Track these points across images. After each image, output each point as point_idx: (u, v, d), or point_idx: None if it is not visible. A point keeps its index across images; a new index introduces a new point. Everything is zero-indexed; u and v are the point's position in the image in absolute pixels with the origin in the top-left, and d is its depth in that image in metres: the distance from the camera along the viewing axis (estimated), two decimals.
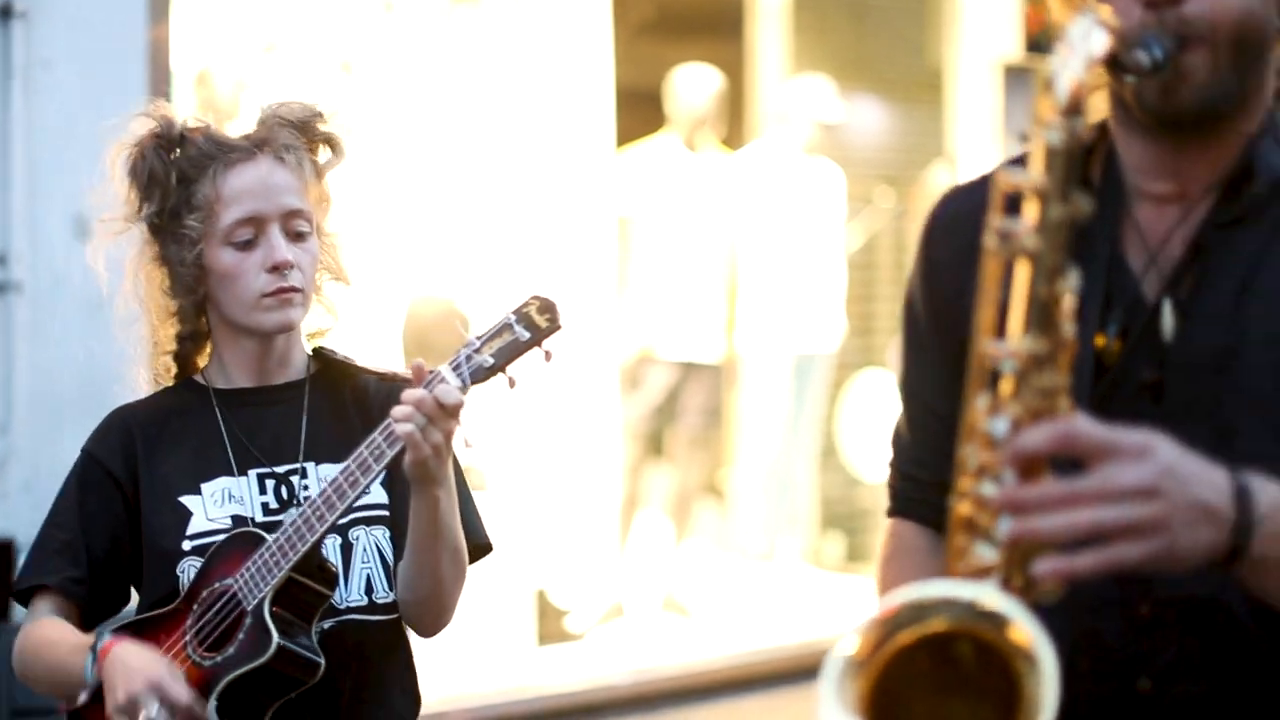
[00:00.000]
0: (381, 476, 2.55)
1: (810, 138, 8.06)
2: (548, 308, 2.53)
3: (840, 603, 7.90)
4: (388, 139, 6.61)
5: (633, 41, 8.24)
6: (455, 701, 6.12)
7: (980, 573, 1.67)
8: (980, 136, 9.01)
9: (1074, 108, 1.69)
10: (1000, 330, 1.69)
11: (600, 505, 7.53)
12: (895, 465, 2.14)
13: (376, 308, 6.42)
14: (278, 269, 2.59)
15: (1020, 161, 1.77)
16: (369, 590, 2.64)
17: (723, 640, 7.40)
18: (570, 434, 7.33)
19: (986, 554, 1.67)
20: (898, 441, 2.13)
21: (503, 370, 2.50)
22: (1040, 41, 8.69)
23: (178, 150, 2.65)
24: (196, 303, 2.67)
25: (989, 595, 1.62)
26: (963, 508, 1.70)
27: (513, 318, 2.52)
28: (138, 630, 2.62)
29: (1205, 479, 1.64)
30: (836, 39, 9.00)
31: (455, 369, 2.48)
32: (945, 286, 1.99)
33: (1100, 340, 1.91)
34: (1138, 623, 1.90)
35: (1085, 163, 1.93)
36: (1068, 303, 1.67)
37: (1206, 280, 1.91)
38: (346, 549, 2.63)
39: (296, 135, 2.67)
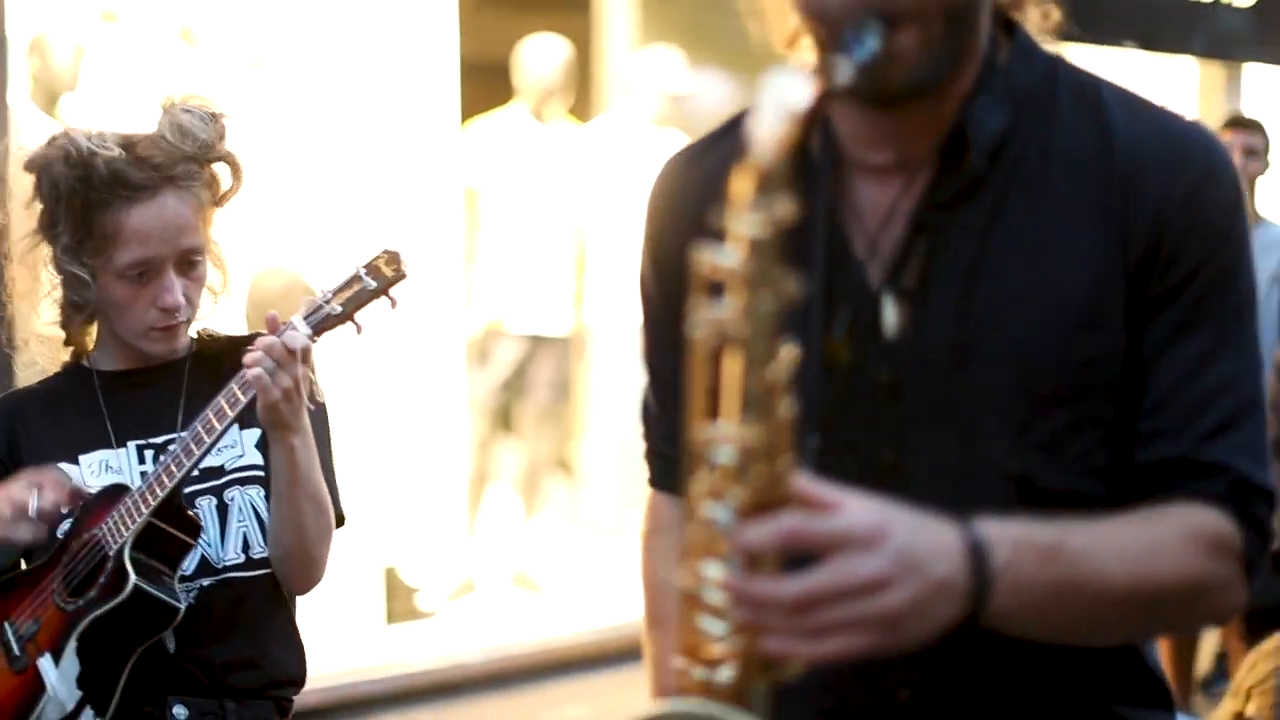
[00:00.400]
0: (256, 438, 2.74)
1: (659, 109, 8.03)
2: (394, 259, 2.66)
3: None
4: (231, 110, 6.47)
5: (478, 12, 8.15)
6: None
7: (716, 662, 1.60)
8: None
9: (772, 189, 1.52)
10: (714, 409, 1.57)
11: (449, 481, 7.46)
12: (648, 438, 2.07)
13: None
14: (168, 311, 2.70)
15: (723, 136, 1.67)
16: (246, 548, 2.77)
17: (575, 616, 7.38)
18: (418, 409, 7.24)
19: (716, 629, 1.60)
20: (647, 416, 2.06)
21: (351, 319, 2.63)
22: None
23: (84, 174, 2.68)
24: (85, 312, 2.78)
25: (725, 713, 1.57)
26: (689, 583, 1.61)
27: (361, 270, 2.65)
28: (11, 586, 2.75)
29: (940, 551, 1.57)
30: (684, 10, 8.95)
31: (305, 318, 2.61)
32: (671, 268, 1.88)
33: (829, 342, 1.82)
34: (894, 709, 1.86)
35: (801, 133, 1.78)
36: (783, 384, 1.54)
37: (932, 267, 1.81)
38: (223, 509, 2.76)
39: (197, 166, 2.73)
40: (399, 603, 7.16)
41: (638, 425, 2.08)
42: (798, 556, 1.54)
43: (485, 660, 6.84)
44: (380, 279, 2.64)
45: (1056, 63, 1.88)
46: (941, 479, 1.78)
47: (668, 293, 1.91)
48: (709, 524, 1.57)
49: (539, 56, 7.73)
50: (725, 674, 1.59)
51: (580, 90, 8.12)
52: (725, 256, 1.52)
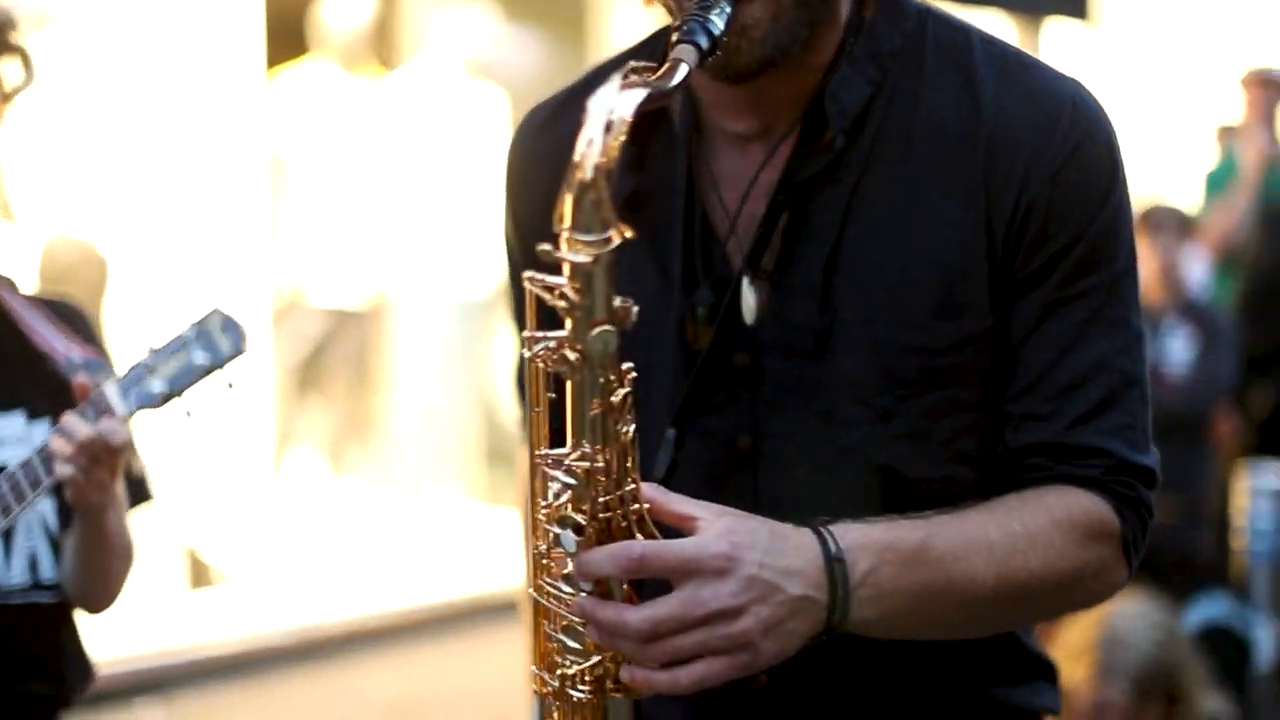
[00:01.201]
0: (47, 431, 2.40)
1: (469, 62, 7.88)
2: (232, 328, 2.34)
3: (505, 539, 7.82)
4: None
5: None
6: (102, 661, 5.84)
7: (571, 679, 1.60)
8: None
9: (600, 215, 1.47)
10: (557, 435, 1.56)
11: (253, 450, 7.28)
12: (521, 398, 1.98)
13: (11, 245, 6.06)
14: None
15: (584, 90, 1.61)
16: (34, 568, 2.50)
17: (384, 585, 7.26)
18: (220, 380, 7.04)
19: (574, 648, 1.60)
20: (520, 378, 1.96)
21: (177, 397, 2.35)
22: None
23: None
24: None
25: None
26: (541, 601, 1.61)
27: (192, 334, 2.36)
28: None
29: (794, 568, 1.56)
30: None
31: (124, 393, 2.32)
32: (531, 227, 1.81)
33: (690, 325, 1.78)
34: (753, 694, 1.82)
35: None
36: (624, 409, 1.52)
37: (793, 249, 1.76)
38: (8, 530, 2.46)
39: None
40: (202, 573, 6.99)
41: (508, 389, 2.04)
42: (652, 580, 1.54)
43: (292, 631, 6.69)
44: (214, 353, 2.35)
45: (925, 17, 1.80)
46: (801, 467, 1.75)
47: (528, 252, 1.79)
48: (555, 541, 1.56)
49: (343, 6, 7.52)
50: (581, 691, 1.59)
51: (387, 42, 7.95)
52: (555, 281, 1.49)
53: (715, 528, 1.54)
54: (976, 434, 1.77)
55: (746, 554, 1.53)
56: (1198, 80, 11.59)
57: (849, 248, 1.74)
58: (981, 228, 1.73)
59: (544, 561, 1.59)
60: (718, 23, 1.62)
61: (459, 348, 8.00)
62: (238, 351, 2.35)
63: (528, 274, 1.52)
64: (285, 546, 7.33)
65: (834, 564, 1.58)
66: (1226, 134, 9.16)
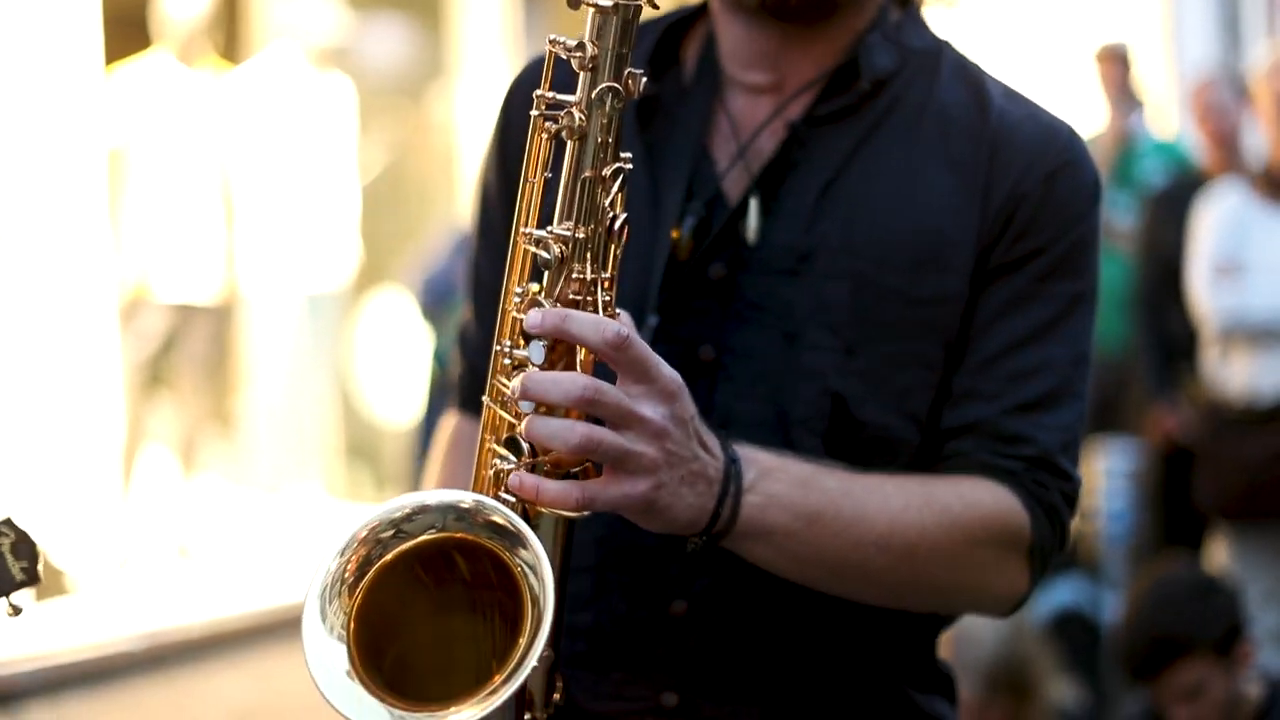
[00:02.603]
0: None
1: (316, 52, 7.78)
2: (27, 550, 1.89)
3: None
4: None
5: None
6: None
7: (504, 478, 1.60)
8: (491, 56, 8.88)
9: None
10: (544, 217, 1.60)
11: (101, 450, 7.13)
12: (462, 359, 2.02)
13: None
14: None
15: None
16: None
17: (240, 588, 7.14)
18: (66, 379, 6.89)
19: (509, 457, 1.60)
20: (464, 337, 2.02)
21: None
22: None
23: None
24: None
25: (486, 504, 1.56)
26: (490, 405, 1.63)
27: None
28: None
29: (708, 443, 1.62)
30: None
31: None
32: (516, 160, 1.79)
33: (675, 233, 1.82)
34: (676, 543, 1.77)
35: (675, 42, 1.90)
36: (615, 187, 1.58)
37: (793, 178, 1.82)
38: None
39: None
40: (48, 580, 6.82)
41: (452, 352, 2.06)
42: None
43: (144, 637, 6.55)
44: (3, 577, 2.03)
45: (944, 44, 1.93)
46: (759, 385, 1.79)
47: (508, 189, 1.81)
48: (521, 328, 1.57)
49: None
50: (510, 497, 1.58)
51: (233, 33, 7.82)
52: (573, 42, 1.56)
53: (674, 371, 1.59)
54: (928, 396, 1.81)
55: (688, 403, 1.59)
56: (1055, 57, 11.69)
57: (846, 184, 1.81)
58: (976, 205, 1.81)
59: (504, 361, 1.61)
60: None
61: (313, 342, 7.89)
62: (30, 581, 1.88)
63: (552, 36, 1.58)
64: (135, 549, 7.19)
65: (731, 462, 1.64)
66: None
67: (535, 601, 1.50)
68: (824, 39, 1.85)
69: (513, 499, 1.57)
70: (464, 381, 2.01)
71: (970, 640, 4.01)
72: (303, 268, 7.71)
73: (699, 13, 1.93)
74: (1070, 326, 1.83)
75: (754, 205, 1.82)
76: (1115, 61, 8.20)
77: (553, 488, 1.55)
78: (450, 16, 8.99)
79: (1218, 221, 5.60)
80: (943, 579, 1.79)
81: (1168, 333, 6.73)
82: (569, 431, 1.53)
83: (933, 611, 1.88)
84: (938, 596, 1.83)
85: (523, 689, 1.58)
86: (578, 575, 1.73)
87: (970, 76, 1.90)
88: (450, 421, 2.04)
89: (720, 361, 1.80)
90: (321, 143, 7.78)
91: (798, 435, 1.76)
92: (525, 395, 1.54)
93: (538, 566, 1.50)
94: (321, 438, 8.22)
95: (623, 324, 1.57)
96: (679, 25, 1.93)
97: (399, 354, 8.42)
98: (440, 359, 7.00)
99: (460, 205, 8.08)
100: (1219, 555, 5.89)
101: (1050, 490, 1.80)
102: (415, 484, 7.56)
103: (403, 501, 1.56)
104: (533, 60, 2.01)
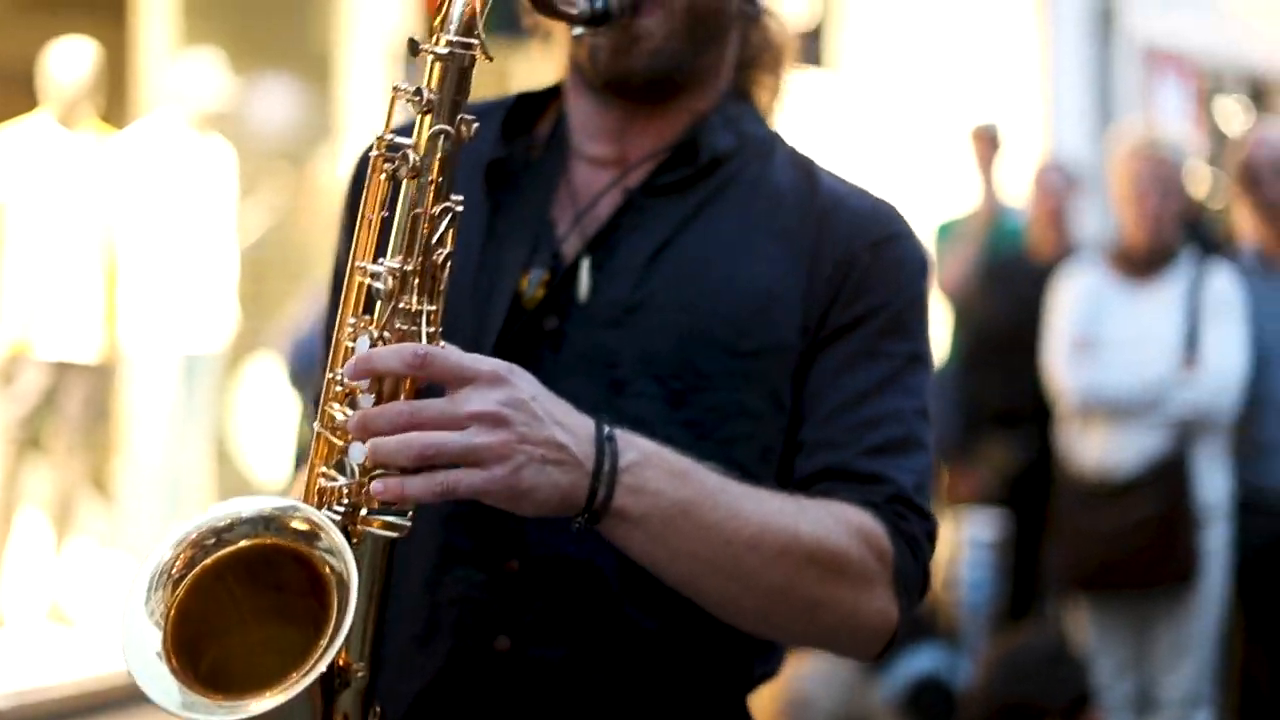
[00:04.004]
0: None
1: (199, 117, 7.78)
2: None
3: None
4: None
5: (6, 15, 7.78)
6: None
7: (329, 494, 1.64)
8: (373, 119, 8.89)
9: (468, 26, 1.66)
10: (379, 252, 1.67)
11: None
12: (316, 384, 2.00)
13: None
14: None
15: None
16: None
17: (112, 652, 7.08)
18: None
19: (339, 479, 1.64)
20: (321, 367, 2.01)
21: None
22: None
23: None
24: None
25: (299, 511, 1.60)
26: (322, 433, 1.66)
27: None
28: None
29: (565, 421, 1.65)
30: (227, 15, 8.76)
31: None
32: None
33: (524, 284, 1.89)
34: (504, 577, 1.85)
35: (530, 112, 2.00)
36: (444, 225, 1.65)
37: (626, 240, 1.90)
38: None
39: None
40: None
41: (308, 383, 2.05)
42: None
43: (15, 704, 6.49)
44: None
45: (779, 135, 2.04)
46: None
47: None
48: (350, 356, 1.63)
49: (65, 61, 7.38)
50: (337, 514, 1.62)
51: (118, 97, 7.83)
52: (414, 86, 1.65)
53: (497, 359, 1.63)
54: (755, 447, 1.86)
55: (522, 381, 1.62)
56: (928, 129, 11.85)
57: (678, 248, 1.90)
58: (803, 273, 1.89)
59: (336, 388, 1.65)
60: (615, 3, 1.81)
61: (189, 404, 7.86)
62: None
63: (395, 84, 1.66)
64: (8, 612, 7.12)
65: (605, 441, 1.66)
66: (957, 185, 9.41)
67: (340, 594, 1.54)
68: (666, 118, 1.96)
69: (339, 517, 1.62)
70: (311, 410, 2.03)
71: (808, 705, 4.06)
72: (182, 329, 7.69)
73: (556, 91, 2.03)
74: (910, 382, 1.90)
75: (585, 265, 1.90)
76: (987, 141, 8.40)
77: (416, 482, 1.58)
78: (335, 81, 9.02)
79: (1075, 298, 5.69)
80: (813, 590, 1.78)
81: (980, 400, 6.91)
82: (407, 446, 1.57)
83: (802, 633, 1.87)
84: (807, 613, 1.80)
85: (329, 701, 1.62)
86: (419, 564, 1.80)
87: (801, 162, 2.00)
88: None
89: None
90: (203, 206, 7.78)
91: None
92: (359, 437, 1.60)
93: (342, 562, 1.55)
94: (197, 502, 8.17)
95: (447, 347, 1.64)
96: (536, 98, 2.03)
97: (275, 418, 8.40)
98: (310, 423, 7.00)
99: None
100: (1073, 623, 5.97)
101: (911, 523, 1.84)
102: None
103: (225, 510, 1.61)
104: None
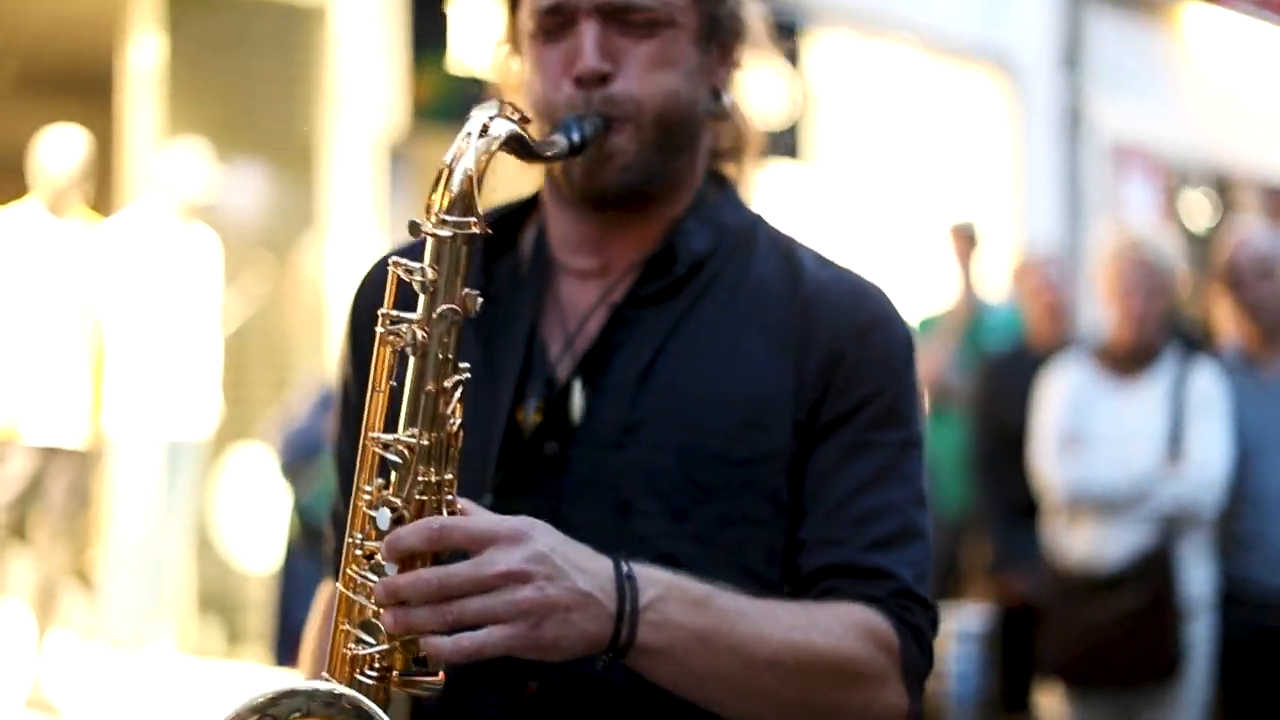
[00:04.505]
0: None
1: (184, 206, 7.84)
2: None
3: (218, 689, 7.66)
4: None
5: None
6: None
7: (361, 661, 1.67)
8: (358, 210, 8.98)
9: (465, 202, 1.69)
10: (391, 421, 1.69)
11: None
12: (334, 535, 2.07)
13: None
14: None
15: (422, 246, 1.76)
16: None
17: None
18: None
19: (368, 641, 1.68)
20: (335, 513, 2.08)
21: None
22: (428, 111, 8.75)
23: None
24: None
25: (338, 690, 1.63)
26: (346, 593, 1.69)
27: None
28: None
29: (585, 567, 1.68)
30: (213, 105, 8.81)
31: None
32: (365, 357, 1.89)
33: (520, 414, 1.92)
34: (523, 700, 1.88)
35: (511, 230, 2.01)
36: (455, 398, 1.68)
37: (618, 357, 1.93)
38: None
39: None
40: None
41: (326, 528, 2.12)
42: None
43: None
44: None
45: (759, 218, 2.06)
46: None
47: (362, 380, 1.88)
48: (372, 525, 1.67)
49: (55, 150, 7.44)
50: (369, 677, 1.67)
51: (103, 185, 7.88)
52: (415, 265, 1.68)
53: (514, 517, 1.67)
54: (761, 550, 1.90)
55: (541, 535, 1.65)
56: (902, 224, 11.96)
57: (667, 360, 1.92)
58: (791, 368, 1.92)
59: (356, 553, 1.69)
60: (588, 129, 1.85)
61: (171, 491, 7.86)
62: None
63: (393, 259, 1.69)
64: None
65: (625, 580, 1.69)
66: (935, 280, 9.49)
67: None
68: (643, 224, 1.98)
69: (372, 681, 1.67)
70: (335, 557, 2.06)
71: None
72: (165, 415, 7.71)
73: (535, 202, 2.06)
74: (905, 470, 1.93)
75: (578, 386, 1.92)
76: (964, 238, 8.51)
77: (447, 644, 1.62)
78: (320, 171, 9.07)
79: (1061, 395, 5.73)
80: (829, 697, 1.83)
81: (1011, 497, 6.88)
82: (439, 617, 1.61)
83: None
84: (829, 710, 1.86)
85: None
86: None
87: (783, 247, 2.02)
88: (326, 591, 2.10)
89: None
90: (187, 293, 7.83)
91: None
92: (387, 605, 1.64)
93: None
94: (177, 591, 8.16)
95: (464, 508, 1.68)
96: (515, 214, 2.06)
97: (258, 507, 8.39)
98: (301, 512, 7.00)
99: (327, 360, 8.11)
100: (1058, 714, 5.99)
101: (915, 614, 1.88)
102: (272, 639, 7.52)
103: (267, 689, 1.63)
104: (376, 265, 2.10)
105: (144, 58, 8.49)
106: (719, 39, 1.99)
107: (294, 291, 8.95)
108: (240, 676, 7.64)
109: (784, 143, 10.66)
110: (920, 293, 9.59)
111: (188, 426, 7.83)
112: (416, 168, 9.03)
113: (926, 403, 6.88)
